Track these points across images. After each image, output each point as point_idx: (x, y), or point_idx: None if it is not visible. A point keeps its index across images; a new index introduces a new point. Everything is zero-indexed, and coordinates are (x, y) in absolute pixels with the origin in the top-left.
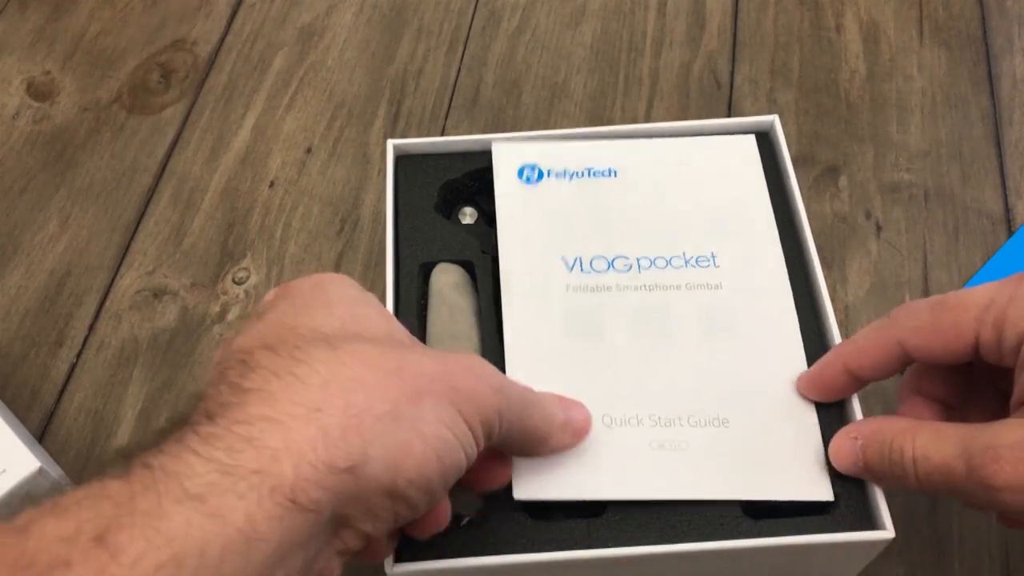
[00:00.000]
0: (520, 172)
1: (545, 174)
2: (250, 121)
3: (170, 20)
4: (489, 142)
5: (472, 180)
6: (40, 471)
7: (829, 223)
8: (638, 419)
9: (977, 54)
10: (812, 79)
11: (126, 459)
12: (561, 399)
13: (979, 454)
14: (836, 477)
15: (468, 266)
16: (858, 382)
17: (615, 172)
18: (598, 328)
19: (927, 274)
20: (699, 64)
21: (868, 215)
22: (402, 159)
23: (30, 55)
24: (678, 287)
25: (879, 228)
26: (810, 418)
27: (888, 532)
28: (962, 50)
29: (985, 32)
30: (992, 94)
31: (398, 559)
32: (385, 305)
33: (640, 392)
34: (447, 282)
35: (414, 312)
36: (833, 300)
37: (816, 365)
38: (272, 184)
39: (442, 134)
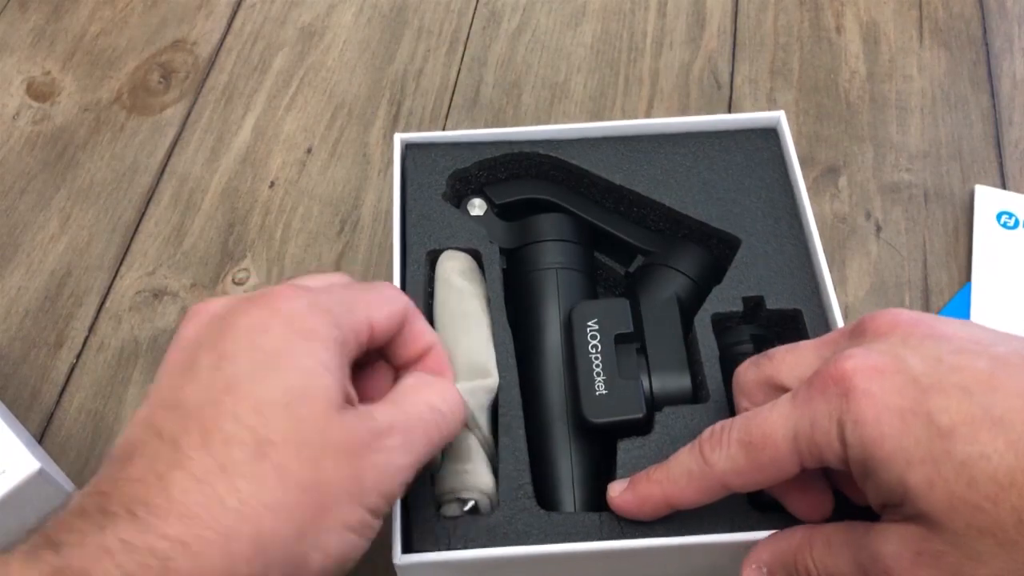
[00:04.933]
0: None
1: None
2: (250, 121)
3: (170, 20)
4: (495, 136)
5: (481, 170)
6: (40, 472)
7: (829, 223)
8: None
9: (977, 54)
10: (812, 79)
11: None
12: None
13: (870, 565)
14: None
15: (475, 255)
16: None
17: None
18: None
19: (927, 274)
20: (699, 64)
21: (868, 215)
22: (411, 148)
23: (30, 55)
24: None
25: (879, 228)
26: None
27: None
28: (962, 50)
29: (985, 32)
30: (992, 94)
31: (406, 549)
32: None
33: None
34: (453, 268)
35: (420, 300)
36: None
37: (635, 491)
38: (272, 184)
39: None
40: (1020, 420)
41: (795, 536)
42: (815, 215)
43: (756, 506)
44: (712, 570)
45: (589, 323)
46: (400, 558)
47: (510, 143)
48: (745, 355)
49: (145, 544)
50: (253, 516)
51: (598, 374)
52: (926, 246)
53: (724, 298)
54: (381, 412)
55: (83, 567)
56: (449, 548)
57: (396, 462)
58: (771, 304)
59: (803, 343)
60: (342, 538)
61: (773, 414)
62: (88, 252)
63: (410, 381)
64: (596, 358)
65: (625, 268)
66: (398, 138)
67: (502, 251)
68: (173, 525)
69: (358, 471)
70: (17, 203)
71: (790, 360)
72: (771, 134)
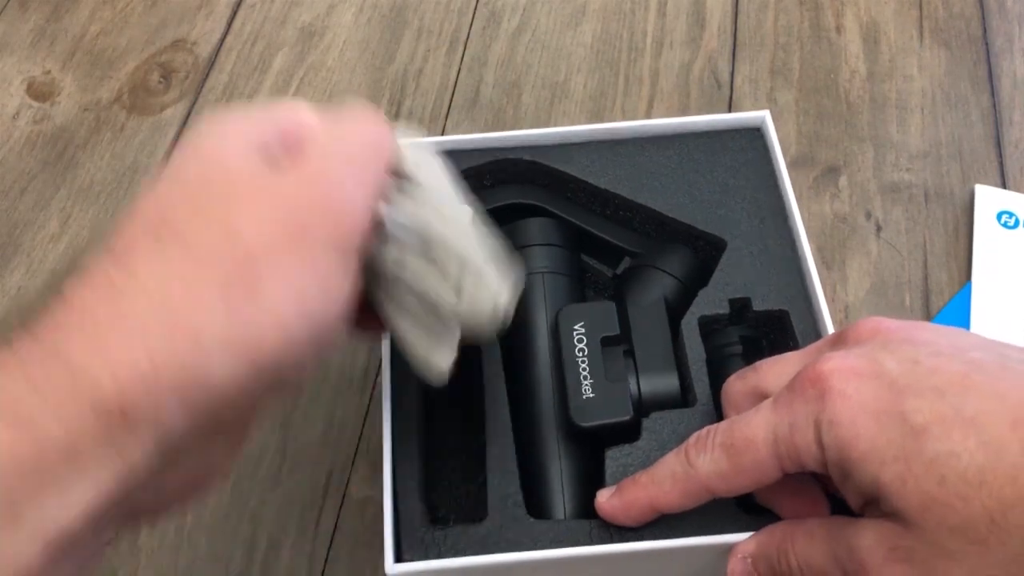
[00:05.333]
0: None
1: None
2: None
3: (170, 20)
4: (486, 141)
5: (467, 178)
6: None
7: (829, 223)
8: None
9: (977, 54)
10: (812, 79)
11: None
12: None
13: (847, 559)
14: None
15: None
16: (665, 513)
17: None
18: None
19: (927, 274)
20: (699, 64)
21: (868, 215)
22: None
23: (30, 55)
24: None
25: (879, 228)
26: None
27: None
28: (962, 50)
29: (985, 32)
30: (992, 94)
31: (398, 559)
32: None
33: None
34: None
35: None
36: (833, 300)
37: (621, 496)
38: None
39: (442, 134)
40: (992, 422)
41: (776, 531)
42: (815, 215)
43: (745, 509)
44: (702, 573)
45: (575, 327)
46: (392, 567)
47: (494, 149)
48: (733, 356)
49: (37, 346)
50: (157, 293)
51: (585, 377)
52: (926, 246)
53: (710, 300)
54: (304, 157)
55: None
56: (440, 557)
57: (340, 196)
58: (758, 306)
59: (788, 354)
60: (294, 294)
61: (755, 418)
62: (88, 252)
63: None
64: (583, 361)
65: (613, 270)
66: None
67: None
68: (70, 319)
69: (290, 217)
70: (17, 203)
71: (776, 370)
72: (756, 134)
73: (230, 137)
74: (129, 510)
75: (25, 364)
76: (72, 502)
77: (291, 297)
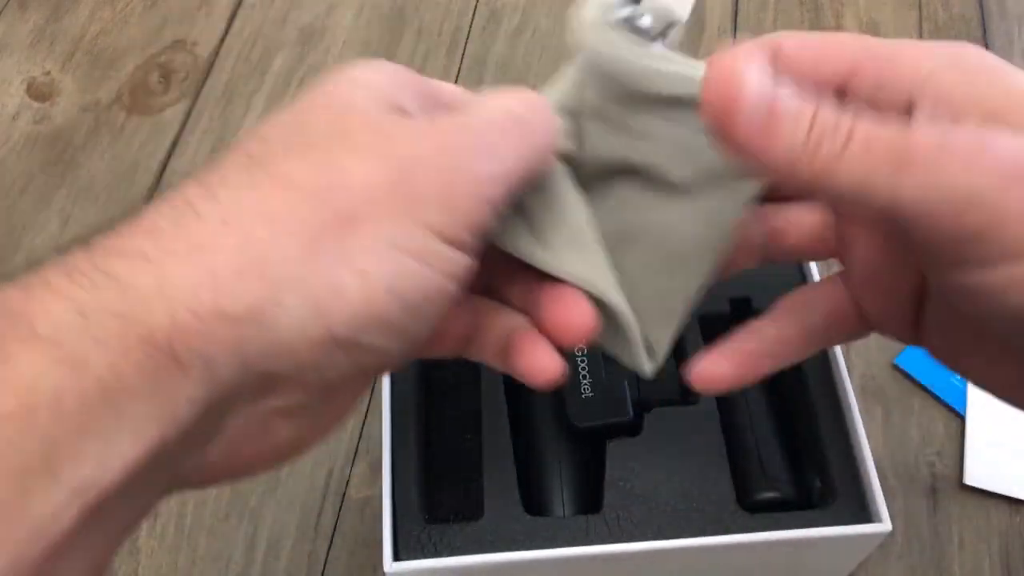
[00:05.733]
0: None
1: None
2: (250, 122)
3: (170, 21)
4: None
5: None
6: None
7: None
8: None
9: None
10: None
11: None
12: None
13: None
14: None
15: None
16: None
17: None
18: None
19: None
20: None
21: None
22: None
23: (30, 55)
24: None
25: None
26: None
27: (885, 525)
28: None
29: (985, 33)
30: None
31: (396, 558)
32: None
33: None
34: None
35: None
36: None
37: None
38: None
39: None
40: None
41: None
42: None
43: (747, 508)
44: (702, 573)
45: None
46: (390, 566)
47: None
48: None
49: (91, 266)
50: (237, 224)
51: (584, 377)
52: None
53: (711, 300)
54: (441, 116)
55: (9, 299)
56: (438, 555)
57: (471, 167)
58: (757, 304)
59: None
60: (388, 258)
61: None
62: None
63: (475, 97)
64: (582, 361)
65: None
66: None
67: None
68: (133, 241)
69: (406, 175)
70: (17, 203)
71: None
72: None
73: (363, 85)
74: (169, 478)
75: (77, 286)
76: (112, 454)
77: (385, 266)
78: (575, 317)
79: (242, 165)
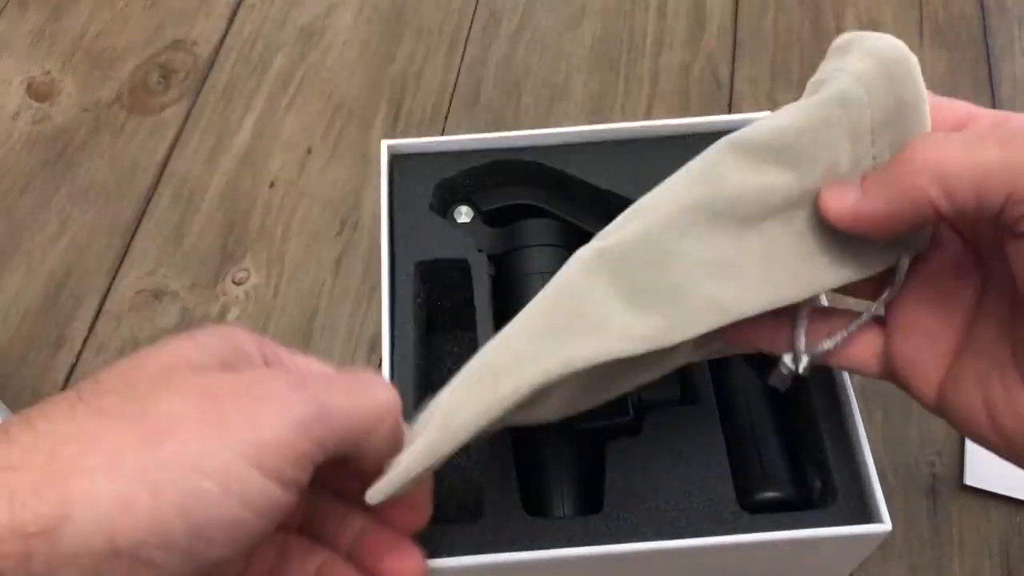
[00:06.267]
0: None
1: None
2: (250, 122)
3: (170, 20)
4: (486, 141)
5: (467, 179)
6: None
7: None
8: None
9: (977, 55)
10: None
11: None
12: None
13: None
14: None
15: (463, 264)
16: None
17: None
18: None
19: None
20: (699, 64)
21: None
22: (397, 159)
23: (30, 55)
24: None
25: None
26: None
27: (885, 525)
28: (962, 51)
29: (985, 33)
30: (993, 95)
31: None
32: (381, 304)
33: None
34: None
35: (410, 312)
36: (834, 299)
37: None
38: (272, 185)
39: (442, 134)
40: None
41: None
42: None
43: (747, 508)
44: (702, 573)
45: None
46: None
47: (496, 150)
48: (734, 355)
49: None
50: (48, 446)
51: None
52: None
53: None
54: (271, 367)
55: None
56: (437, 556)
57: (282, 395)
58: None
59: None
60: (185, 477)
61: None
62: (88, 252)
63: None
64: None
65: None
66: (385, 145)
67: (490, 257)
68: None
69: (217, 403)
70: (17, 203)
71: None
72: None
73: (200, 343)
74: None
75: None
76: None
77: (179, 484)
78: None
79: (68, 402)
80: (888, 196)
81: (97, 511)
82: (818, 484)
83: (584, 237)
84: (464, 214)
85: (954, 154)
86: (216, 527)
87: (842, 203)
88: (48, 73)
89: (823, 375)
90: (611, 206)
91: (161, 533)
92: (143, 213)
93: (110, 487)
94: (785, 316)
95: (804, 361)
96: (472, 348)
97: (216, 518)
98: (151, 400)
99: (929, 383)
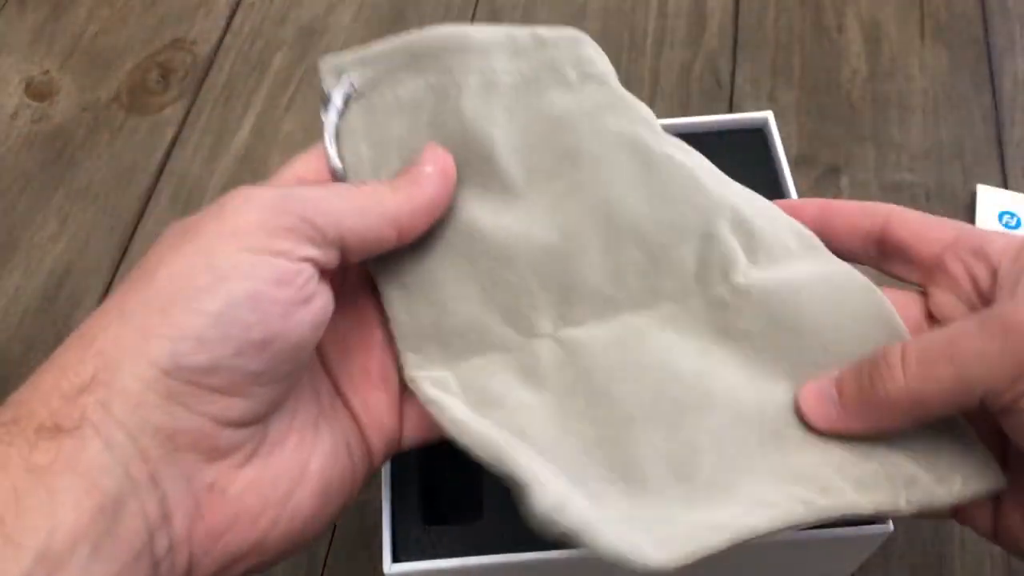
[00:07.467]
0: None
1: None
2: (249, 121)
3: (169, 20)
4: None
5: None
6: None
7: None
8: None
9: (979, 54)
10: (813, 79)
11: None
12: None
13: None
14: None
15: None
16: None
17: None
18: None
19: None
20: (699, 64)
21: None
22: None
23: (29, 55)
24: None
25: None
26: None
27: (886, 525)
28: (963, 50)
29: (986, 32)
30: (994, 94)
31: (395, 559)
32: None
33: None
34: None
35: None
36: None
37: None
38: None
39: None
40: None
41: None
42: None
43: None
44: (703, 572)
45: None
46: (390, 567)
47: None
48: None
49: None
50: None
51: None
52: None
53: None
54: None
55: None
56: (437, 557)
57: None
58: None
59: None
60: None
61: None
62: (87, 252)
63: None
64: None
65: None
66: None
67: None
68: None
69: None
70: (16, 203)
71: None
72: (759, 135)
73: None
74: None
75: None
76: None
77: (184, 289)
78: None
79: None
80: (865, 418)
81: (122, 353)
82: None
83: None
84: None
85: (919, 384)
86: (248, 310)
87: (822, 418)
88: (47, 72)
89: None
90: None
91: (195, 337)
92: (142, 213)
93: (121, 330)
94: None
95: None
96: None
97: (236, 301)
98: (145, 263)
99: None
